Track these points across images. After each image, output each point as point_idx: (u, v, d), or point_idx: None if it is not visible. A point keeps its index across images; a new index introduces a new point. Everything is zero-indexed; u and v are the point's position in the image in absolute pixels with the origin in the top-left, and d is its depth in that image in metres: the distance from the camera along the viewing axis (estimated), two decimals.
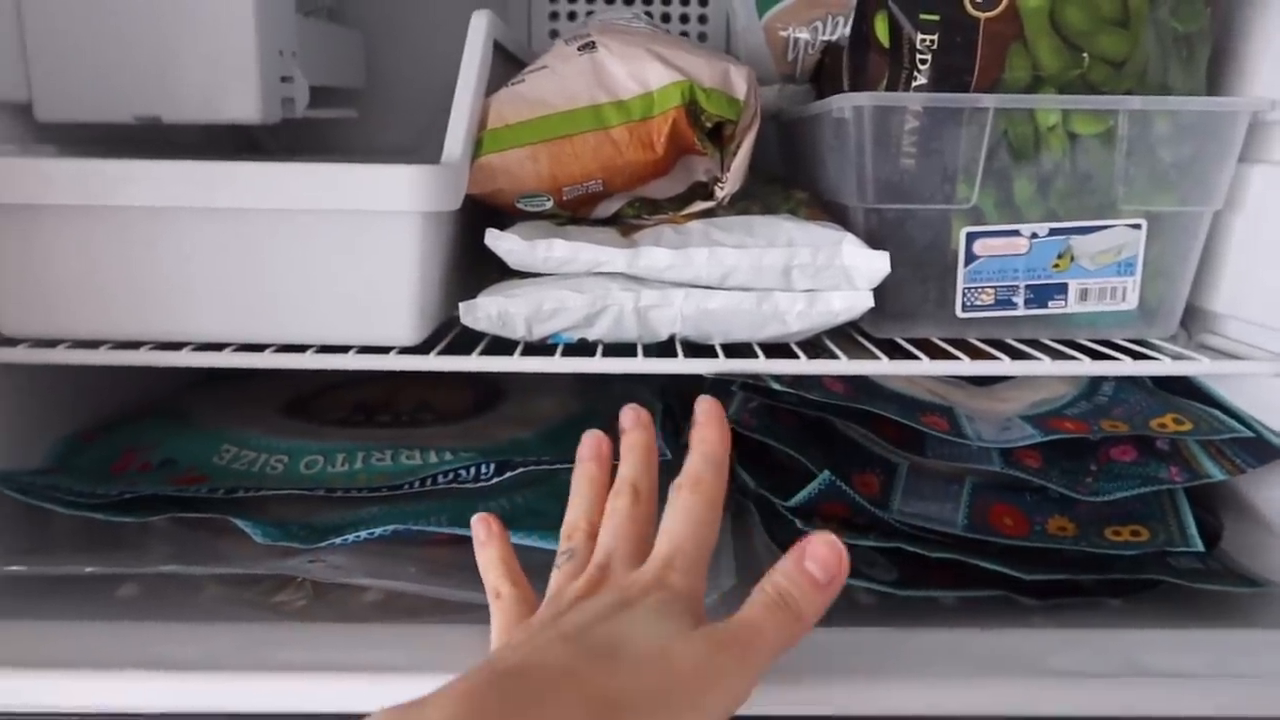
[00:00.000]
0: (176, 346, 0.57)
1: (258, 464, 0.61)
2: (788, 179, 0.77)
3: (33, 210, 0.54)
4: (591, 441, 0.51)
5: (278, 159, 0.62)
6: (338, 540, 0.53)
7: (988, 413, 0.61)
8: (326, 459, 0.61)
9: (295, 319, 0.56)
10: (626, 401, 0.74)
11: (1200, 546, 0.54)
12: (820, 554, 0.40)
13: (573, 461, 0.59)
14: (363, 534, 0.53)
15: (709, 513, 0.44)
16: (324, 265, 0.55)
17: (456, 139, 0.57)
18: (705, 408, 0.48)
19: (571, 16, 0.92)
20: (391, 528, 0.53)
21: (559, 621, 0.39)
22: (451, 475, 0.57)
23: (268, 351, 0.56)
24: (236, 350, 0.57)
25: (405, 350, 0.57)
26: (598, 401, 0.74)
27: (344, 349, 0.57)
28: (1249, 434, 0.57)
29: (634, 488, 0.46)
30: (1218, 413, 0.59)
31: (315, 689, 0.45)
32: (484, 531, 0.49)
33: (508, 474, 0.56)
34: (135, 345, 0.57)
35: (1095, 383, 0.66)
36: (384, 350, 0.57)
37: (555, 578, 0.45)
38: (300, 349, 0.57)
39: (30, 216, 0.54)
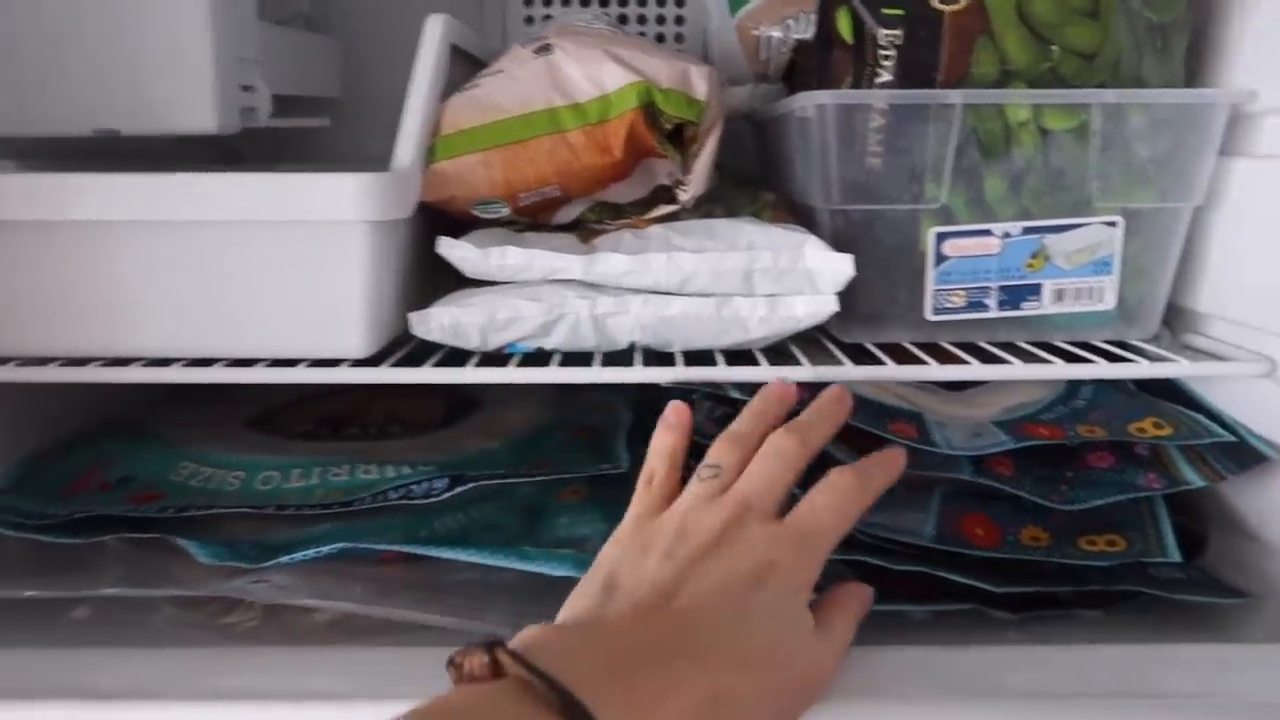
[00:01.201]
0: (125, 363, 0.56)
1: (213, 481, 0.60)
2: (760, 181, 0.76)
3: None
4: (780, 391, 0.50)
5: (253, 169, 0.61)
6: (284, 559, 0.52)
7: (959, 418, 0.59)
8: (283, 475, 0.60)
9: (245, 332, 0.55)
10: (601, 409, 0.73)
11: (1178, 557, 0.52)
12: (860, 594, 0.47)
13: (536, 474, 0.58)
14: (309, 553, 0.52)
15: (855, 508, 0.45)
16: (273, 277, 0.54)
17: (407, 145, 0.56)
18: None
19: (548, 20, 0.91)
20: (339, 546, 0.52)
21: (697, 573, 0.40)
22: (403, 491, 0.56)
23: (218, 366, 0.55)
24: (186, 365, 0.55)
25: (358, 363, 0.56)
26: (570, 411, 0.73)
27: (295, 362, 0.56)
28: (1231, 439, 0.55)
29: (805, 437, 0.46)
30: (1200, 417, 0.57)
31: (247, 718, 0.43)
32: (674, 417, 0.49)
33: (458, 489, 0.55)
34: (84, 362, 0.56)
35: (1074, 386, 0.63)
36: (335, 363, 0.56)
37: (693, 492, 0.45)
38: (250, 363, 0.55)
39: None
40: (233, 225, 0.53)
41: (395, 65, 0.93)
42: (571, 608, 0.41)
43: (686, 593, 0.39)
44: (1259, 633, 0.52)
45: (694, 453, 0.63)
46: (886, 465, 0.47)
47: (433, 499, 0.55)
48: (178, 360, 0.56)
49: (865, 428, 0.55)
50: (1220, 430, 0.55)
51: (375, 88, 0.94)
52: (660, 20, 0.89)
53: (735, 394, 0.56)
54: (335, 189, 0.51)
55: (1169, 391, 0.65)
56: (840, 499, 0.44)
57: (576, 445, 0.65)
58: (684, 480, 0.47)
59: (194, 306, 0.55)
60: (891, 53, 0.56)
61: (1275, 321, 0.55)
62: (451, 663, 0.35)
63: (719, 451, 0.46)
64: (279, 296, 0.54)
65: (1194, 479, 0.54)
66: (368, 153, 0.95)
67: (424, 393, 0.76)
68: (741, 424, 0.48)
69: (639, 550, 0.42)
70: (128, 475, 0.61)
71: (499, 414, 0.72)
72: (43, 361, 0.56)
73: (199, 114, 0.63)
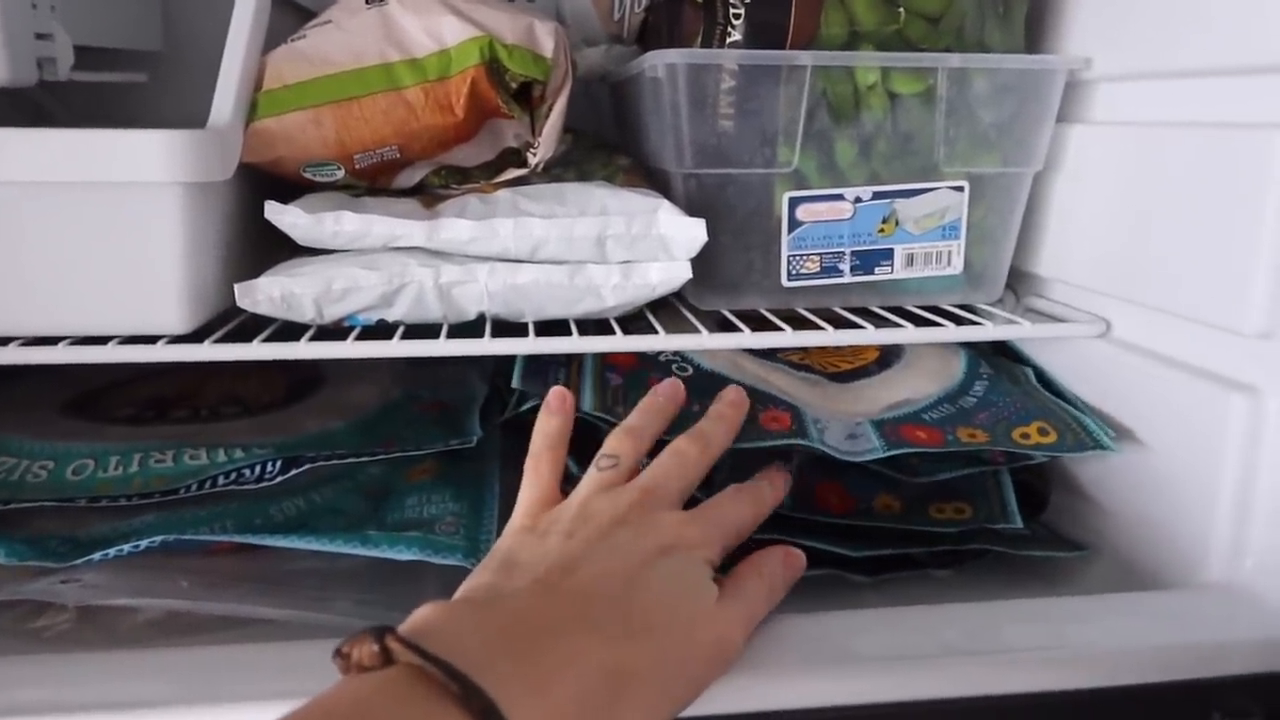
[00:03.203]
0: None
1: (17, 472, 0.54)
2: (616, 146, 0.73)
3: None
4: (671, 389, 0.52)
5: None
6: (96, 556, 0.47)
7: (840, 414, 0.58)
8: (98, 463, 0.54)
9: (43, 307, 0.50)
10: (455, 383, 0.70)
11: (1019, 524, 0.53)
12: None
13: (380, 453, 0.55)
14: (125, 548, 0.47)
15: (756, 513, 0.47)
16: (75, 245, 0.49)
17: (225, 100, 0.51)
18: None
19: None
20: (159, 539, 0.48)
21: (599, 550, 0.40)
22: (234, 475, 0.51)
23: (12, 345, 0.50)
24: None
25: (177, 339, 0.51)
26: (421, 385, 0.69)
27: (105, 340, 0.50)
28: (1112, 450, 0.54)
29: (708, 443, 0.47)
30: (1087, 421, 0.56)
31: None
32: (556, 402, 0.49)
33: (293, 471, 0.51)
34: None
35: (969, 379, 0.62)
36: (152, 340, 0.51)
37: (592, 479, 0.45)
38: (52, 341, 0.50)
39: None
40: (25, 187, 0.47)
41: (221, 19, 0.87)
42: (469, 585, 0.40)
43: (586, 567, 0.39)
44: (1098, 584, 0.54)
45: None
46: (776, 487, 0.50)
47: (266, 483, 0.51)
48: None
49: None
50: (1105, 441, 0.54)
51: (199, 44, 0.87)
52: None
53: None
54: (142, 147, 0.46)
55: (1011, 353, 0.67)
56: (743, 500, 0.46)
57: (426, 421, 0.62)
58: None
59: None
60: (740, 11, 0.55)
61: (1110, 284, 0.57)
62: (339, 653, 0.33)
63: (616, 443, 0.47)
64: (82, 267, 0.49)
65: (1035, 454, 0.55)
66: (191, 114, 0.88)
67: (263, 371, 0.71)
68: (635, 418, 0.49)
69: (539, 535, 0.42)
70: None
71: (344, 391, 0.68)
72: None
73: None
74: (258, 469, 0.52)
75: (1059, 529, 0.60)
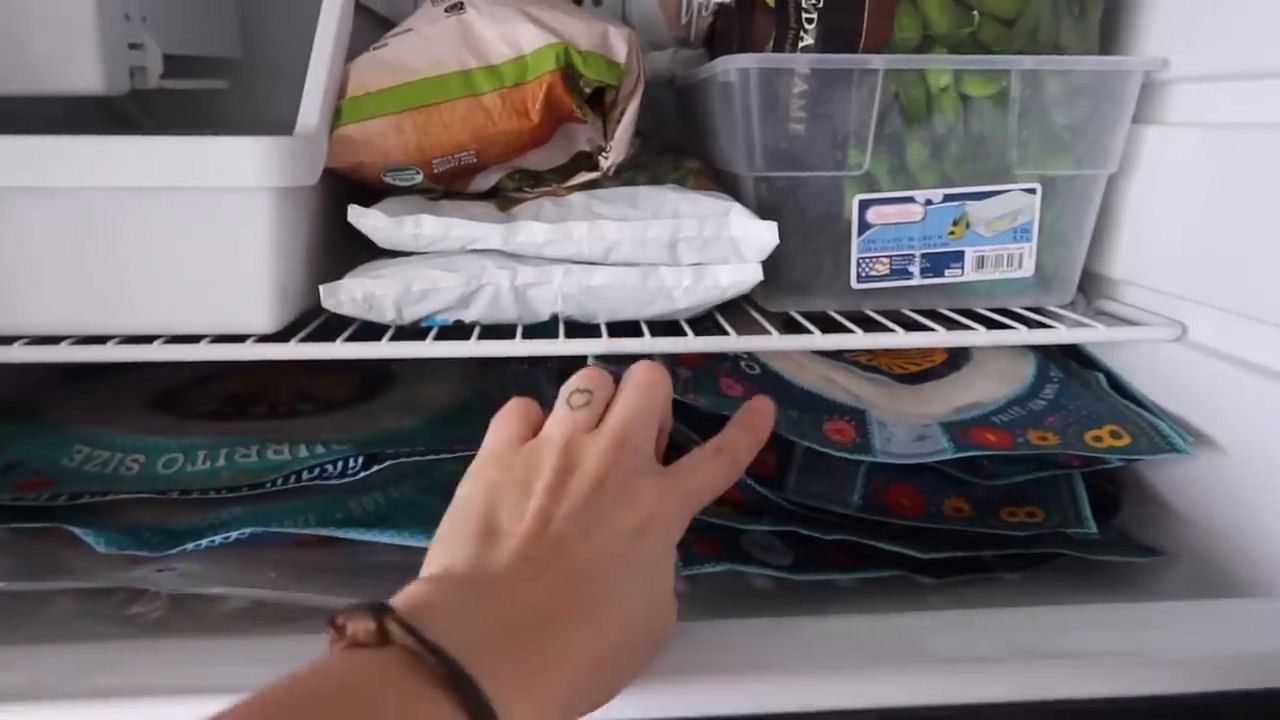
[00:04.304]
0: (8, 341, 0.52)
1: (111, 465, 0.57)
2: (684, 148, 0.74)
3: None
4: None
5: (146, 134, 0.57)
6: (190, 546, 0.49)
7: (907, 416, 0.58)
8: (186, 457, 0.57)
9: (141, 307, 0.52)
10: (523, 384, 0.71)
11: (1094, 529, 0.53)
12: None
13: (456, 451, 0.56)
14: (217, 539, 0.49)
15: (730, 476, 0.44)
16: (170, 248, 0.51)
17: (311, 108, 0.53)
18: None
19: None
20: (249, 530, 0.49)
21: (583, 520, 0.38)
22: (317, 471, 0.53)
23: (111, 344, 0.52)
24: (75, 343, 0.52)
25: (265, 338, 0.53)
26: (492, 385, 0.71)
27: (196, 339, 0.53)
28: (1187, 453, 0.54)
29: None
30: (1160, 424, 0.55)
31: (150, 716, 0.41)
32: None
33: (375, 468, 0.53)
34: None
35: (1039, 383, 0.61)
36: (240, 339, 0.53)
37: (566, 420, 0.42)
38: (147, 340, 0.52)
39: None
40: (124, 192, 0.50)
41: (297, 26, 0.89)
42: (449, 553, 0.38)
43: (574, 545, 0.37)
44: (1172, 590, 0.54)
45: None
46: (756, 429, 0.46)
47: (348, 479, 0.53)
48: (66, 338, 0.52)
49: (793, 438, 0.54)
50: (1180, 444, 0.54)
51: (276, 51, 0.89)
52: None
53: None
54: (237, 153, 0.48)
55: (1081, 356, 0.66)
56: (719, 468, 0.43)
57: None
58: None
59: (83, 280, 0.51)
60: (814, 15, 0.55)
61: (1186, 287, 0.56)
62: (333, 623, 0.32)
63: (587, 378, 0.44)
64: (176, 269, 0.51)
65: (1110, 458, 0.55)
66: (268, 119, 0.90)
67: (336, 369, 0.73)
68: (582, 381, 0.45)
69: (517, 484, 0.39)
70: (14, 461, 0.57)
71: (416, 389, 0.70)
72: None
73: (84, 73, 0.59)
74: (340, 464, 0.53)
75: (1132, 534, 0.59)
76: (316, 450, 0.56)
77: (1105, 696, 0.44)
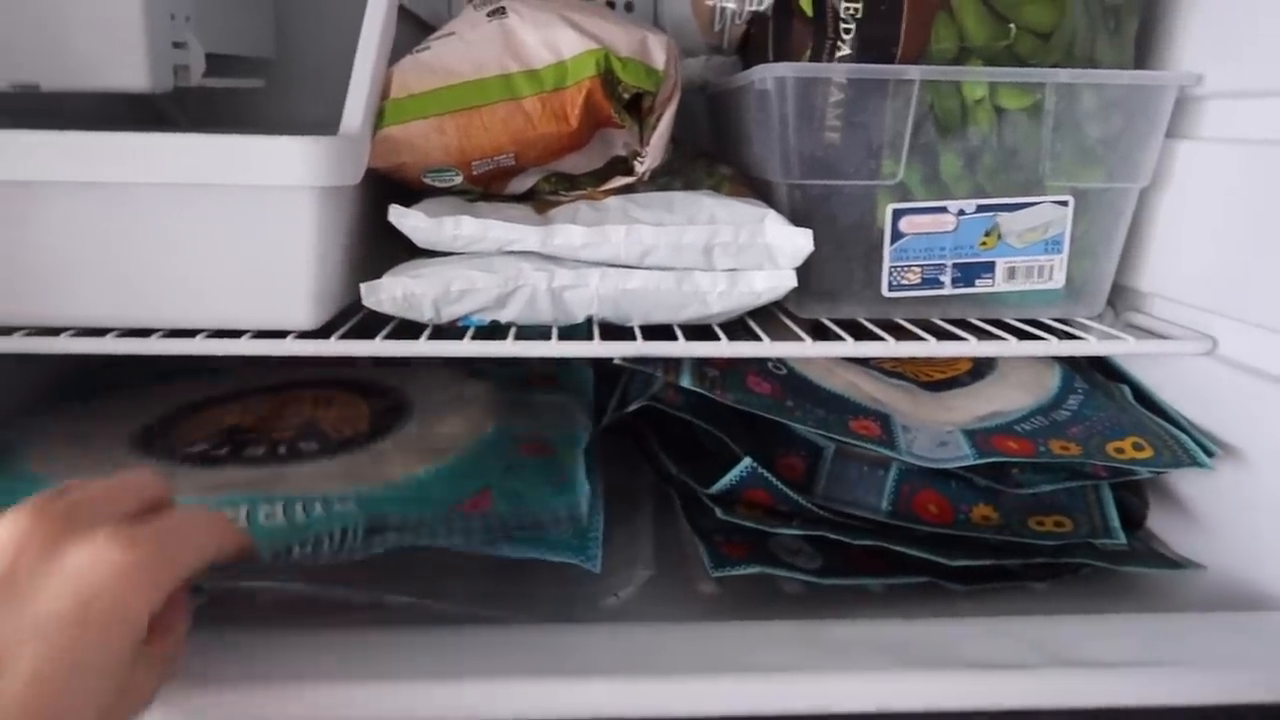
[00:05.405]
0: (55, 332, 0.53)
1: None
2: (715, 154, 0.75)
3: None
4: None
5: (181, 132, 0.58)
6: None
7: (931, 422, 0.59)
8: None
9: (184, 301, 0.53)
10: (549, 415, 0.64)
11: (1123, 539, 0.53)
12: None
13: (469, 519, 0.51)
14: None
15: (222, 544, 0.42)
16: (215, 244, 0.52)
17: (356, 109, 0.54)
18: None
19: None
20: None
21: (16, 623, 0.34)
22: (310, 548, 0.48)
23: (155, 337, 0.53)
24: (120, 336, 0.53)
25: (305, 334, 0.54)
26: (518, 416, 0.63)
27: (239, 333, 0.53)
28: (1208, 468, 0.54)
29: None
30: (1182, 436, 0.56)
31: None
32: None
33: (375, 546, 0.49)
34: (8, 331, 0.52)
35: (1063, 393, 0.62)
36: (282, 334, 0.54)
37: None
38: (190, 334, 0.53)
39: None
40: (171, 188, 0.50)
41: (328, 26, 0.90)
42: None
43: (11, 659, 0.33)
44: (1198, 602, 0.54)
45: (661, 424, 0.62)
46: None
47: (344, 555, 0.48)
48: (111, 330, 0.53)
49: (822, 433, 0.54)
50: (1202, 458, 0.54)
51: (308, 50, 0.91)
52: None
53: (687, 384, 0.55)
54: (284, 153, 0.49)
55: (1107, 368, 0.66)
56: (202, 532, 0.41)
57: (525, 469, 0.56)
58: None
59: (128, 274, 0.52)
60: (851, 26, 0.56)
61: (1216, 301, 0.57)
62: None
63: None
64: (220, 264, 0.52)
65: (1138, 469, 0.55)
66: (299, 119, 0.92)
67: (346, 397, 0.67)
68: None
69: None
70: None
71: (432, 424, 0.62)
72: None
73: (130, 71, 0.60)
74: (339, 537, 0.49)
75: (1158, 545, 0.60)
76: (314, 511, 0.51)
77: (1132, 706, 0.45)
